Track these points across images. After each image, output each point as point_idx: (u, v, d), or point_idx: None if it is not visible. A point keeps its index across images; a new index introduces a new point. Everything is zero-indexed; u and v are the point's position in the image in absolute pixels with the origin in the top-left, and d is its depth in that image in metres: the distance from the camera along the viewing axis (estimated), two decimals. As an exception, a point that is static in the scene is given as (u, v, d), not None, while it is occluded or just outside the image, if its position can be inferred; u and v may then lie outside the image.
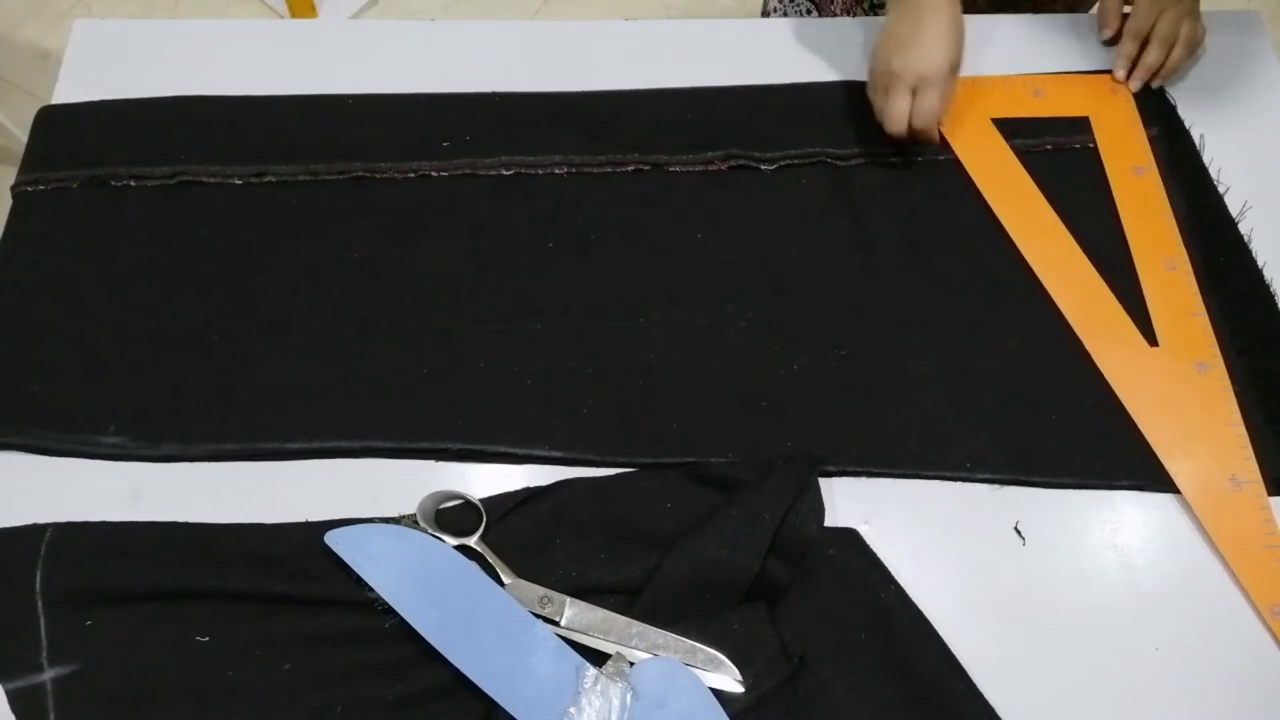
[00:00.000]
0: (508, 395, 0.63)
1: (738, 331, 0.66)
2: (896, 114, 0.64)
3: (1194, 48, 0.76)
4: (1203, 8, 0.79)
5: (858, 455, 0.61)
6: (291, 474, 0.60)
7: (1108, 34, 0.78)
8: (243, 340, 0.64)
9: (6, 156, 1.51)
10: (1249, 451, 0.61)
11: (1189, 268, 0.69)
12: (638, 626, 0.54)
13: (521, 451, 0.61)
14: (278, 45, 0.79)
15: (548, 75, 0.77)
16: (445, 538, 0.56)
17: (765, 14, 0.97)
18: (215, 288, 0.66)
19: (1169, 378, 0.64)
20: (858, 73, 0.77)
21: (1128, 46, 0.76)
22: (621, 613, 0.54)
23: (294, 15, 1.76)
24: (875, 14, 0.82)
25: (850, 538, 0.58)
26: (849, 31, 0.80)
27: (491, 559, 0.56)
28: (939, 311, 0.67)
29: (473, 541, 0.56)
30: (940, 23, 0.64)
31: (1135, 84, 0.76)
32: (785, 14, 0.92)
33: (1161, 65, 0.75)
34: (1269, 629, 0.57)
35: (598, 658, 0.53)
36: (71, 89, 0.75)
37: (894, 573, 0.57)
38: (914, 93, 0.65)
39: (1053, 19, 0.81)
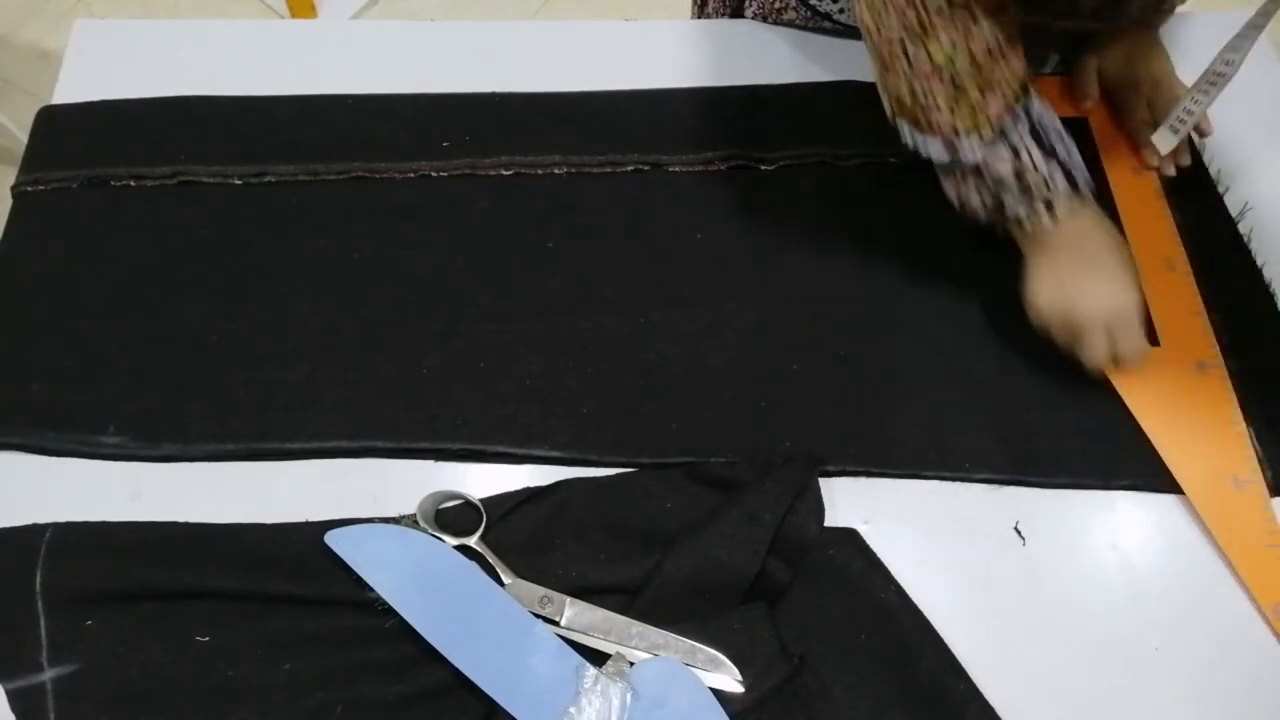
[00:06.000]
0: (508, 395, 0.63)
1: (738, 332, 0.66)
2: (1101, 358, 0.61)
3: (1174, 88, 0.73)
4: (1203, 8, 0.79)
5: (858, 455, 0.61)
6: (291, 474, 0.60)
7: (1089, 104, 0.76)
8: (243, 340, 0.64)
9: (6, 156, 1.51)
10: (1250, 451, 0.61)
11: (1188, 268, 0.69)
12: (638, 626, 0.54)
13: (521, 451, 0.61)
14: (278, 45, 0.79)
15: (548, 75, 0.77)
16: (445, 538, 0.56)
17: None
18: (215, 288, 0.66)
19: (1170, 378, 0.64)
20: (858, 73, 0.77)
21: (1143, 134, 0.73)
22: (621, 613, 0.54)
23: (294, 15, 1.76)
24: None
25: (850, 538, 0.58)
26: (850, 35, 0.80)
27: (491, 559, 0.56)
28: (939, 312, 0.67)
29: (473, 541, 0.56)
30: (1119, 258, 0.61)
31: (1170, 168, 0.73)
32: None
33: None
34: (1271, 628, 0.57)
35: (598, 658, 0.53)
36: (71, 89, 0.75)
37: (894, 573, 0.57)
38: (1108, 330, 0.61)
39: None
